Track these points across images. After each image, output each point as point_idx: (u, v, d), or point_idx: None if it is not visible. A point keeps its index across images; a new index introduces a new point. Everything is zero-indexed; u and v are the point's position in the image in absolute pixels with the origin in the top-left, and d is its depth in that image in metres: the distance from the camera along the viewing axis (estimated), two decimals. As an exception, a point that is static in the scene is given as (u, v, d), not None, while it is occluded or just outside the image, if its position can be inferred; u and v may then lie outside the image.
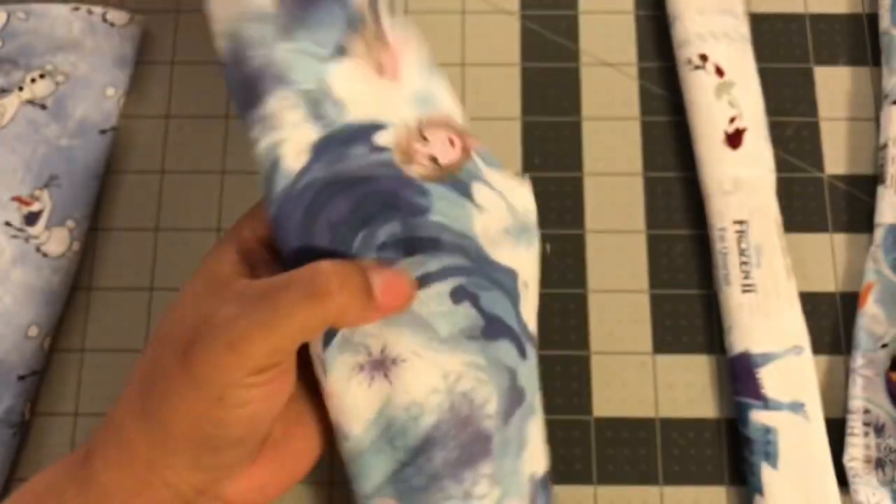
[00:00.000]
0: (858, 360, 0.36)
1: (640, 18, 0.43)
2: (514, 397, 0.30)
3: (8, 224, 0.37)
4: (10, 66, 0.39)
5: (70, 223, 0.38)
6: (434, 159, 0.29)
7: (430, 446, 0.28)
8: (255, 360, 0.24)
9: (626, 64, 0.42)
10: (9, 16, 0.38)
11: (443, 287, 0.29)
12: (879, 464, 0.34)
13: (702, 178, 0.38)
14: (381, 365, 0.28)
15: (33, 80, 0.39)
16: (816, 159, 0.40)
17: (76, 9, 0.40)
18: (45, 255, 0.37)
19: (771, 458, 0.34)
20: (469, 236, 0.29)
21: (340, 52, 0.28)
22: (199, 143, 0.41)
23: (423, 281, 0.29)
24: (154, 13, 0.43)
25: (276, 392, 0.26)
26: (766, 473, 0.34)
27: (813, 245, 0.39)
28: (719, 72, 0.39)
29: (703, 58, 0.39)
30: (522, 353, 0.30)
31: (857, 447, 0.35)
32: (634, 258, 0.39)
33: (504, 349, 0.30)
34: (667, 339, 0.38)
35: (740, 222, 0.37)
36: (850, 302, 0.38)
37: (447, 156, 0.29)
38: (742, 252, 0.37)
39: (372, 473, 0.29)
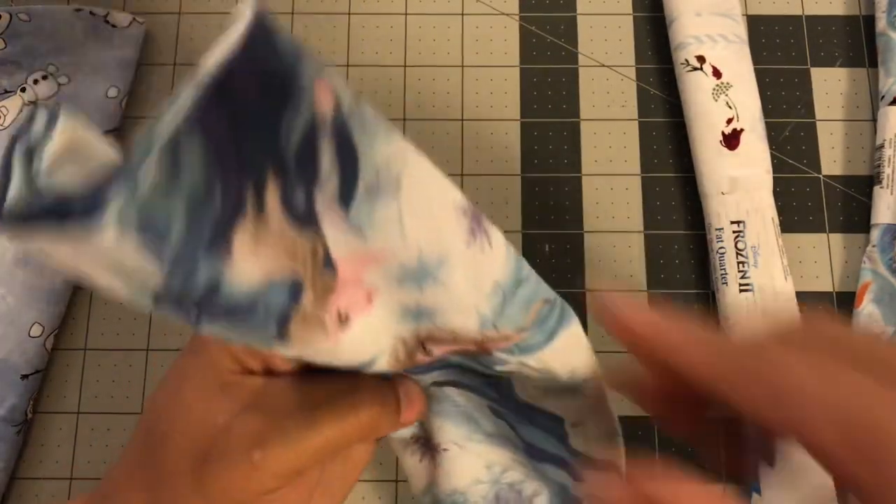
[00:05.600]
0: (855, 360, 0.36)
1: (638, 20, 0.43)
2: (568, 500, 0.29)
3: (11, 224, 0.38)
4: (12, 67, 0.39)
5: (72, 223, 0.38)
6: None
7: None
8: (277, 479, 0.23)
9: (624, 66, 0.42)
10: (11, 17, 0.38)
11: (482, 400, 0.27)
12: (876, 462, 0.35)
13: (699, 179, 0.39)
14: (429, 446, 0.29)
15: (36, 82, 0.40)
16: (813, 160, 0.41)
17: (78, 10, 0.40)
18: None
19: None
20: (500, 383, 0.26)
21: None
22: (200, 144, 0.41)
23: (461, 384, 0.27)
24: (155, 15, 0.43)
25: (301, 497, 0.25)
26: (763, 472, 0.34)
27: (810, 245, 0.39)
28: (716, 73, 0.39)
29: (701, 59, 0.39)
30: (574, 476, 0.28)
31: (854, 446, 0.35)
32: (632, 258, 0.39)
33: (551, 470, 0.28)
34: (665, 338, 0.38)
35: (738, 223, 0.37)
36: (846, 301, 0.38)
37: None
38: (739, 252, 0.37)
39: None
